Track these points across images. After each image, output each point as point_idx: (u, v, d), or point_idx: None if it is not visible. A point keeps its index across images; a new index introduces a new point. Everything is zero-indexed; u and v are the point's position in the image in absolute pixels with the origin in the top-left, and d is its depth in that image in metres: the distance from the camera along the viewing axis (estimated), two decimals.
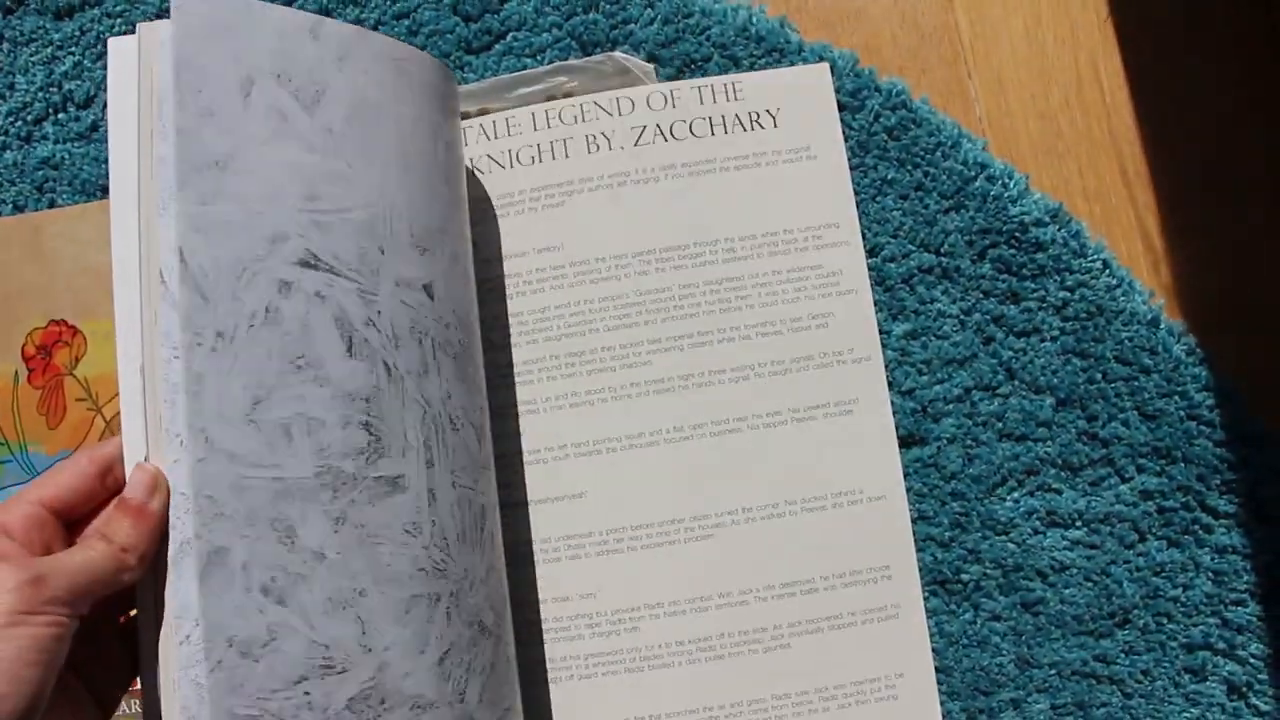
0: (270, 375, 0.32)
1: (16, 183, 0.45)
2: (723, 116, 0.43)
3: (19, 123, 0.45)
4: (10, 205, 0.45)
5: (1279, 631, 0.42)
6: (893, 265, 0.44)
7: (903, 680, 0.41)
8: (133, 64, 0.32)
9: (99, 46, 0.45)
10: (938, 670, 0.42)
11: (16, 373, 0.44)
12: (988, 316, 0.43)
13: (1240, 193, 0.45)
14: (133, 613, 0.32)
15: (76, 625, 0.28)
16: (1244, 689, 0.42)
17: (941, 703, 0.42)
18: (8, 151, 0.45)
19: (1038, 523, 0.43)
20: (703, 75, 0.45)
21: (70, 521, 0.31)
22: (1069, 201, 0.44)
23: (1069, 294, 0.43)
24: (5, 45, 0.46)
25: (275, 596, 0.31)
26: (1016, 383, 0.43)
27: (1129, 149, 0.45)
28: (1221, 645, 0.42)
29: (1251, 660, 0.42)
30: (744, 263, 0.43)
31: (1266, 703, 0.42)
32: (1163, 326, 0.43)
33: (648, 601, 0.41)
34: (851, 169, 0.44)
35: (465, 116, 0.44)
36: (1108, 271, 0.43)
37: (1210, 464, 0.43)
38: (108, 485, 0.31)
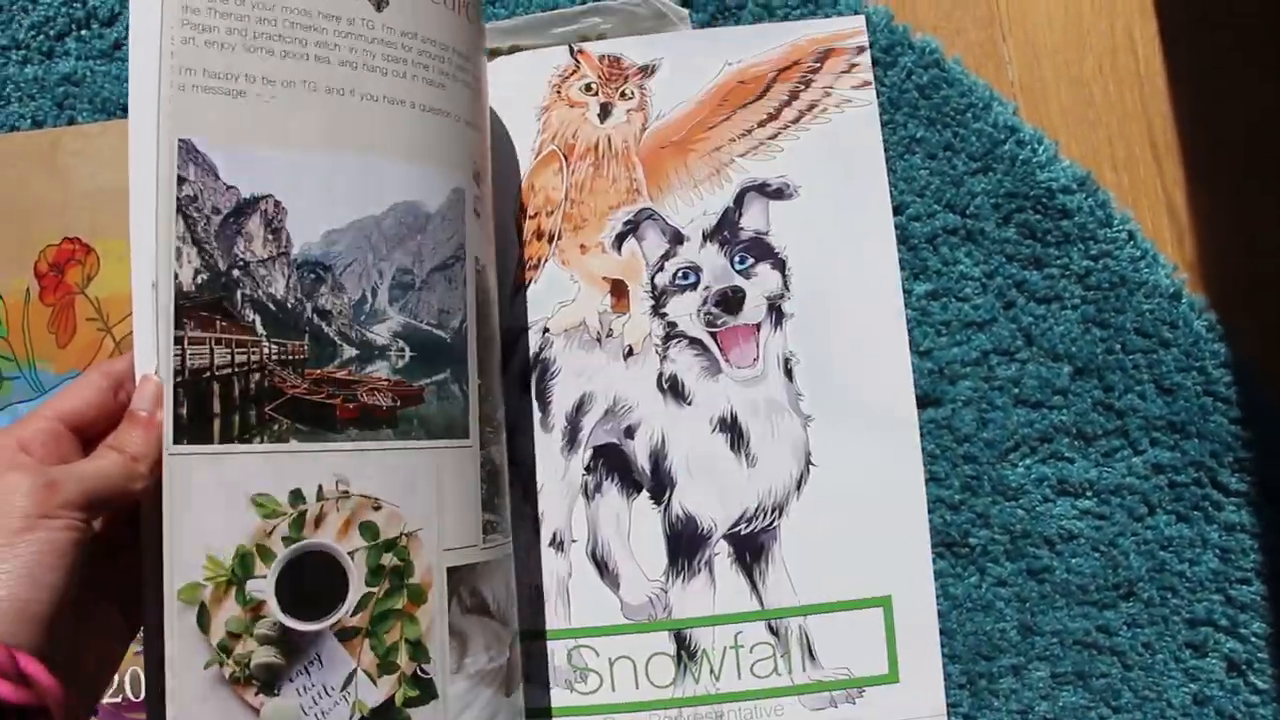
0: None
1: (36, 98, 0.45)
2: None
3: (41, 37, 0.45)
4: (30, 120, 0.44)
5: None
6: (917, 224, 0.43)
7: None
8: None
9: None
10: (940, 633, 0.42)
11: (28, 289, 0.44)
12: (1010, 281, 0.43)
13: (1270, 170, 0.44)
14: None
15: (91, 534, 0.28)
16: (1243, 667, 0.42)
17: (943, 664, 0.42)
18: (29, 66, 0.45)
19: (1048, 490, 0.43)
20: (736, 23, 0.44)
21: (86, 439, 0.31)
22: (1097, 170, 0.44)
23: (1092, 263, 0.43)
24: None
25: None
26: (1035, 349, 0.43)
27: (1160, 121, 0.45)
28: (1224, 622, 0.42)
29: (1253, 639, 0.42)
30: None
31: (1265, 681, 0.42)
32: (1184, 301, 0.43)
33: None
34: (881, 124, 0.43)
35: (495, 54, 0.43)
36: (1132, 243, 0.43)
37: (1224, 441, 0.42)
38: (120, 400, 0.31)
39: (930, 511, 0.42)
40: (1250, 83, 0.45)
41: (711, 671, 0.41)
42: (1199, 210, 0.44)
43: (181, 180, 0.31)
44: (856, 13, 0.44)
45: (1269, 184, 0.44)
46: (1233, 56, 0.45)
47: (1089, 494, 0.43)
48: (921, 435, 0.43)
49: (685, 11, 0.43)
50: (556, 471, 0.42)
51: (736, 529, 0.42)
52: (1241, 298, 0.44)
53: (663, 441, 0.42)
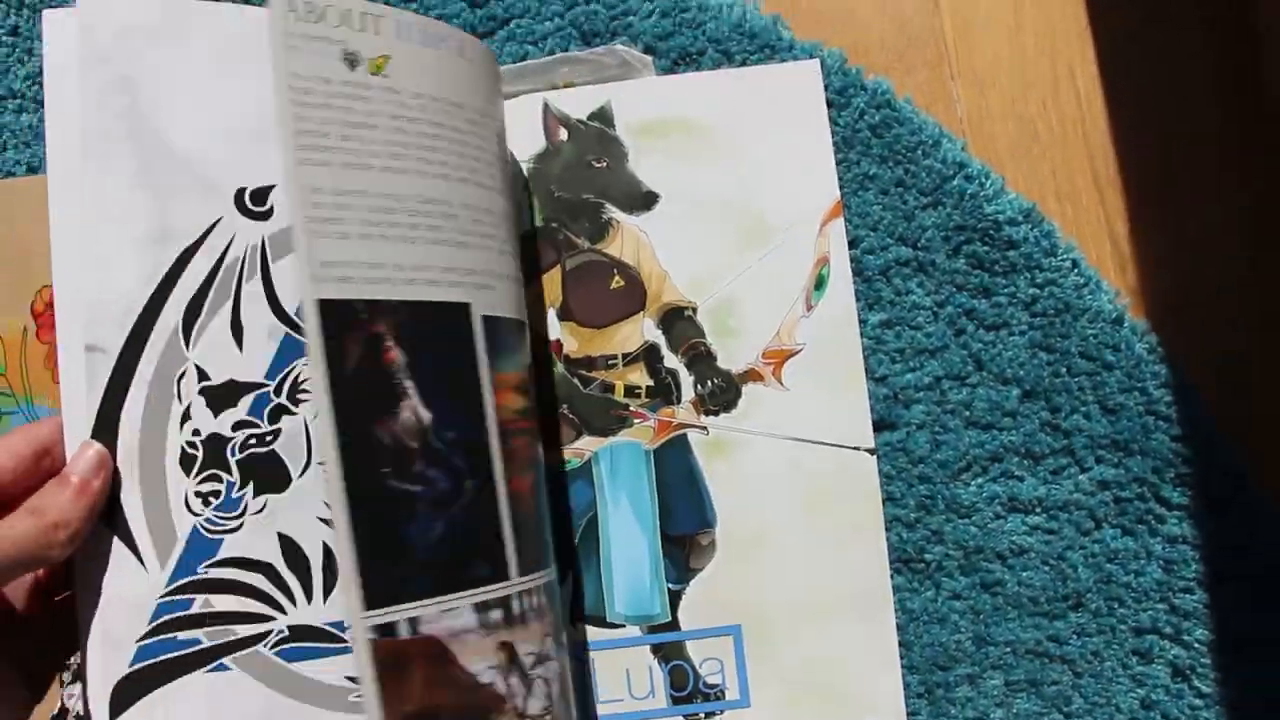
0: None
1: (32, 144, 0.47)
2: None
3: (35, 86, 0.47)
4: (25, 166, 0.47)
5: (1223, 618, 0.44)
6: (871, 257, 0.46)
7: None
8: (71, 33, 0.33)
9: None
10: (899, 645, 0.44)
11: (26, 328, 0.46)
12: (960, 309, 0.46)
13: (1204, 200, 0.47)
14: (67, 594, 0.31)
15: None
16: (1188, 672, 0.44)
17: (902, 675, 0.44)
18: (24, 114, 0.47)
19: (999, 508, 0.45)
20: (697, 69, 0.46)
21: (1, 502, 0.30)
22: (1042, 202, 0.46)
23: (1038, 291, 0.45)
24: (25, 9, 0.47)
25: None
26: (985, 373, 0.45)
27: (1101, 154, 0.47)
28: (1169, 630, 0.45)
29: (1196, 645, 0.44)
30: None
31: (1208, 685, 0.44)
32: (1126, 325, 0.45)
33: None
34: (835, 163, 0.46)
35: None
36: (1076, 271, 0.45)
37: (1165, 458, 0.45)
38: (43, 468, 0.30)
39: (887, 530, 0.45)
40: (1184, 116, 0.47)
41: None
42: (1139, 238, 0.47)
43: None
44: (812, 57, 0.46)
45: (1204, 212, 0.47)
46: (1168, 91, 0.47)
47: (1038, 510, 0.45)
48: (878, 458, 0.45)
49: (649, 59, 0.46)
50: None
51: None
52: (1181, 321, 0.46)
53: None
